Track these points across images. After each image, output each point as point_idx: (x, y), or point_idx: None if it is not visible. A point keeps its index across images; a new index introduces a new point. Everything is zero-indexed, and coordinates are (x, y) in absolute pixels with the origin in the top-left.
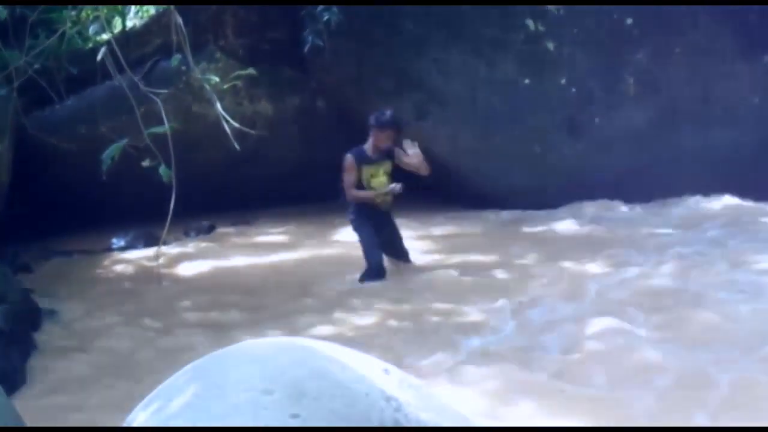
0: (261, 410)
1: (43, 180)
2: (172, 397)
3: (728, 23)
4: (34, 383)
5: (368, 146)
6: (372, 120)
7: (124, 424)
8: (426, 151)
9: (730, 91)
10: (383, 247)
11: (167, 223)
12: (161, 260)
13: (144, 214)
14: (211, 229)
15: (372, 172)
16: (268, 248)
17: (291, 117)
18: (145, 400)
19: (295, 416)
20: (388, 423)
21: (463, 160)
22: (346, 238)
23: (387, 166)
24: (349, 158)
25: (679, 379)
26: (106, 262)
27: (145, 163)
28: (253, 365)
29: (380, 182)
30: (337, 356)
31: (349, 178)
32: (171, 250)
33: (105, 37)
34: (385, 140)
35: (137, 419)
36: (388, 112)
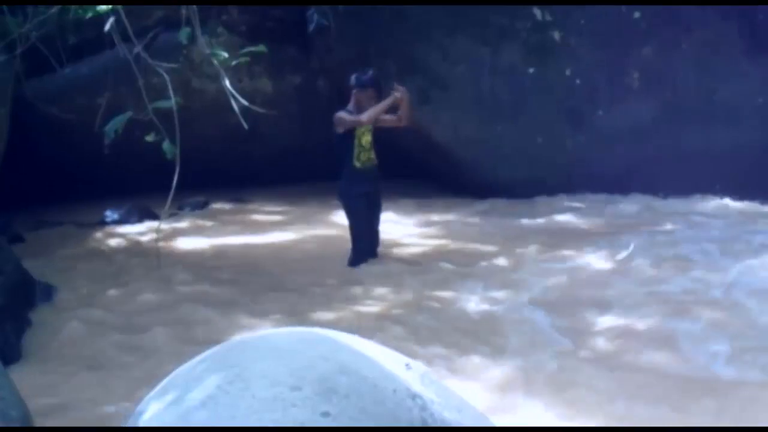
0: (290, 407)
1: (37, 149)
2: (190, 387)
3: (736, 22)
4: (28, 358)
5: (351, 108)
6: (353, 80)
7: (134, 414)
8: (427, 137)
9: (735, 90)
10: (373, 229)
11: (169, 199)
12: (158, 235)
13: (137, 187)
14: (205, 205)
15: (363, 130)
16: (264, 227)
17: (291, 96)
18: (158, 388)
19: (325, 414)
20: (416, 422)
21: (464, 148)
22: (343, 220)
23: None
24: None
25: (687, 376)
26: (100, 235)
27: (149, 138)
28: (278, 358)
29: (368, 140)
30: (360, 349)
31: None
32: (165, 225)
33: (105, 7)
34: (367, 100)
35: (150, 410)
36: (369, 72)
